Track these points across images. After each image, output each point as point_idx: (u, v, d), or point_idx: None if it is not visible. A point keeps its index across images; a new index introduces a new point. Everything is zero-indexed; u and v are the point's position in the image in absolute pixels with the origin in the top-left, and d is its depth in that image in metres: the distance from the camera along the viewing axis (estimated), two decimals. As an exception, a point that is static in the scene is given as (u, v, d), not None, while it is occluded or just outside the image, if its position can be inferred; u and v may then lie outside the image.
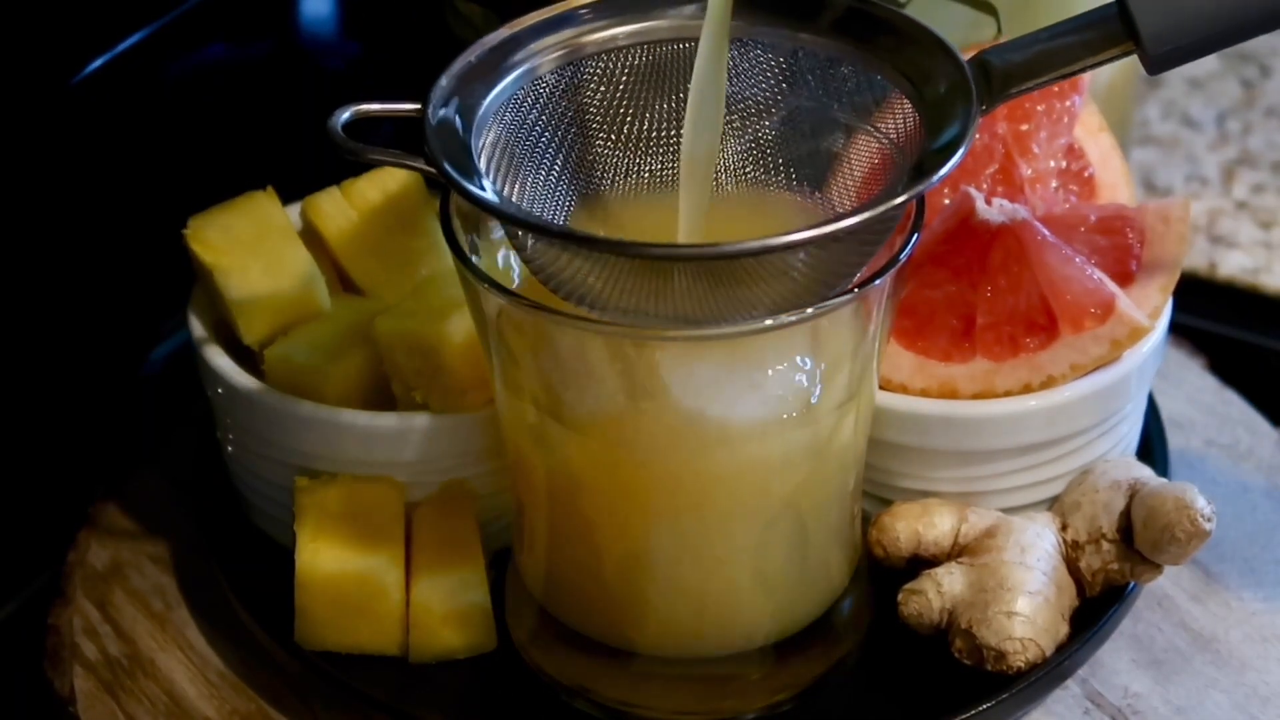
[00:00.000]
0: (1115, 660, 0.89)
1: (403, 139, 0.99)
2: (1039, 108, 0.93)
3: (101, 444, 1.02)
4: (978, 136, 0.92)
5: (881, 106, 0.79)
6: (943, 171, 0.73)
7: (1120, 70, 1.07)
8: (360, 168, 0.94)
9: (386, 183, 0.93)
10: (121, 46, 1.04)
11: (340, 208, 0.93)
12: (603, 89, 0.82)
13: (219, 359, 0.90)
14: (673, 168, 0.83)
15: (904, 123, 0.78)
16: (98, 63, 1.03)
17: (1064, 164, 0.94)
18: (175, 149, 1.08)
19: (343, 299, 0.92)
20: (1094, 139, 0.94)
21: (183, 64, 1.09)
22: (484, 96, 0.79)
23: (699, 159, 0.79)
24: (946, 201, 0.91)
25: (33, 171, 1.01)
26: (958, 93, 0.76)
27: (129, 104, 1.05)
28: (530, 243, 0.76)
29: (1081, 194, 0.94)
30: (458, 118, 0.77)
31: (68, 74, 1.02)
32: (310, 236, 0.93)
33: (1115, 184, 0.94)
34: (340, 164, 0.95)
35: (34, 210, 1.02)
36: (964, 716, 0.84)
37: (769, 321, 0.75)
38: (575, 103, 0.82)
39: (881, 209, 0.72)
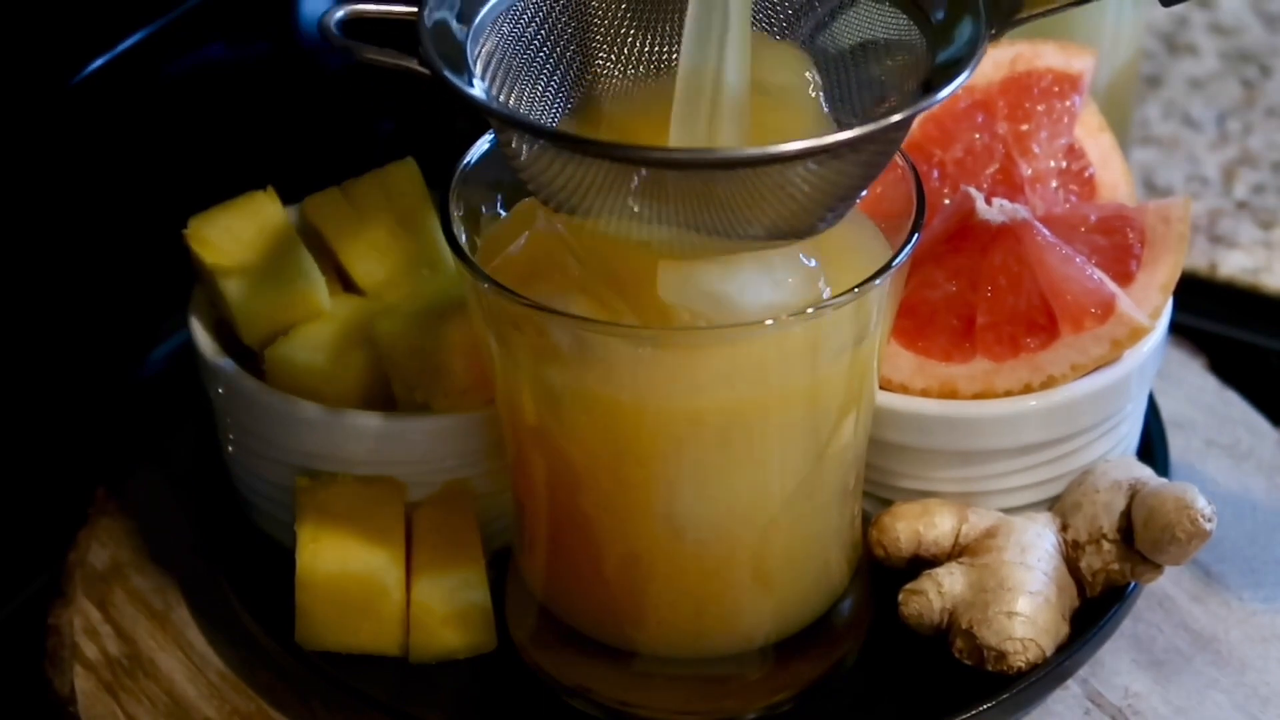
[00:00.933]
0: (1116, 660, 0.89)
1: (404, 141, 0.99)
2: (1039, 108, 0.93)
3: (101, 444, 1.02)
4: (977, 136, 0.93)
5: (889, 30, 0.78)
6: (949, 89, 0.72)
7: (1121, 70, 1.07)
8: (360, 168, 0.94)
9: (386, 183, 0.93)
10: (121, 46, 1.04)
11: (340, 208, 0.93)
12: (605, 4, 0.80)
13: (219, 359, 0.90)
14: (670, 86, 0.80)
15: (912, 45, 0.77)
16: (98, 63, 1.03)
17: (1064, 164, 0.94)
18: (175, 149, 1.08)
19: (343, 299, 0.92)
20: (1094, 139, 0.94)
21: (183, 64, 1.09)
22: (482, 4, 0.77)
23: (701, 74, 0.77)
24: (946, 201, 0.91)
25: (33, 171, 1.01)
26: (966, 15, 0.75)
27: (129, 104, 1.05)
28: (523, 149, 0.74)
29: (1082, 194, 0.94)
30: (455, 23, 0.76)
31: (68, 74, 1.02)
32: (310, 236, 0.93)
33: (1115, 184, 0.94)
34: (340, 164, 0.95)
35: (34, 210, 1.02)
36: (964, 717, 0.84)
37: (769, 322, 0.75)
38: (576, 17, 0.80)
39: (885, 123, 0.71)
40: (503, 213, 0.83)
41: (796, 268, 0.77)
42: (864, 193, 0.76)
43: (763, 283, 0.76)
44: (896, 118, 0.71)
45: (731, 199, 0.72)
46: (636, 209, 0.73)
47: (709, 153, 0.71)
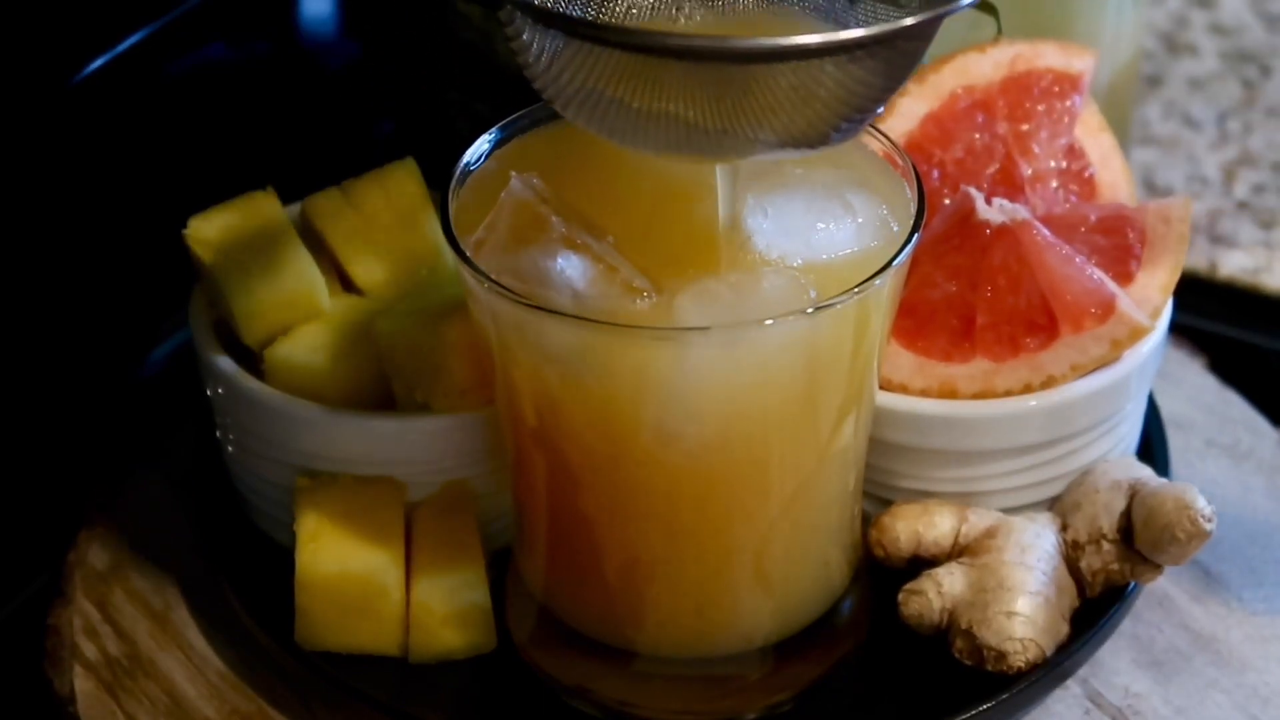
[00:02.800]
0: (1116, 660, 0.89)
1: (404, 141, 0.99)
2: (1039, 108, 0.93)
3: (101, 444, 1.02)
4: (977, 136, 0.93)
5: None
6: None
7: (1121, 70, 1.07)
8: (360, 168, 0.94)
9: (386, 183, 0.93)
10: (121, 46, 1.04)
11: (340, 208, 0.93)
12: None
13: (219, 359, 0.90)
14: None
15: None
16: (98, 63, 1.03)
17: (1064, 164, 0.93)
18: (175, 149, 1.08)
19: (343, 299, 0.92)
20: (1094, 139, 0.94)
21: (183, 64, 1.09)
22: None
23: None
24: (946, 201, 0.91)
25: (33, 171, 1.01)
26: None
27: (129, 104, 1.05)
28: (534, 42, 0.73)
29: (1082, 194, 0.94)
30: None
31: (68, 74, 1.02)
32: (310, 236, 0.93)
33: (1115, 184, 0.94)
34: (340, 164, 0.95)
35: (34, 210, 1.02)
36: (964, 717, 0.84)
37: (769, 322, 0.75)
38: None
39: (904, 24, 0.70)
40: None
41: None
42: (880, 109, 0.74)
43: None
44: (916, 19, 0.70)
45: (745, 98, 0.71)
46: (646, 107, 0.72)
47: (729, 41, 0.69)
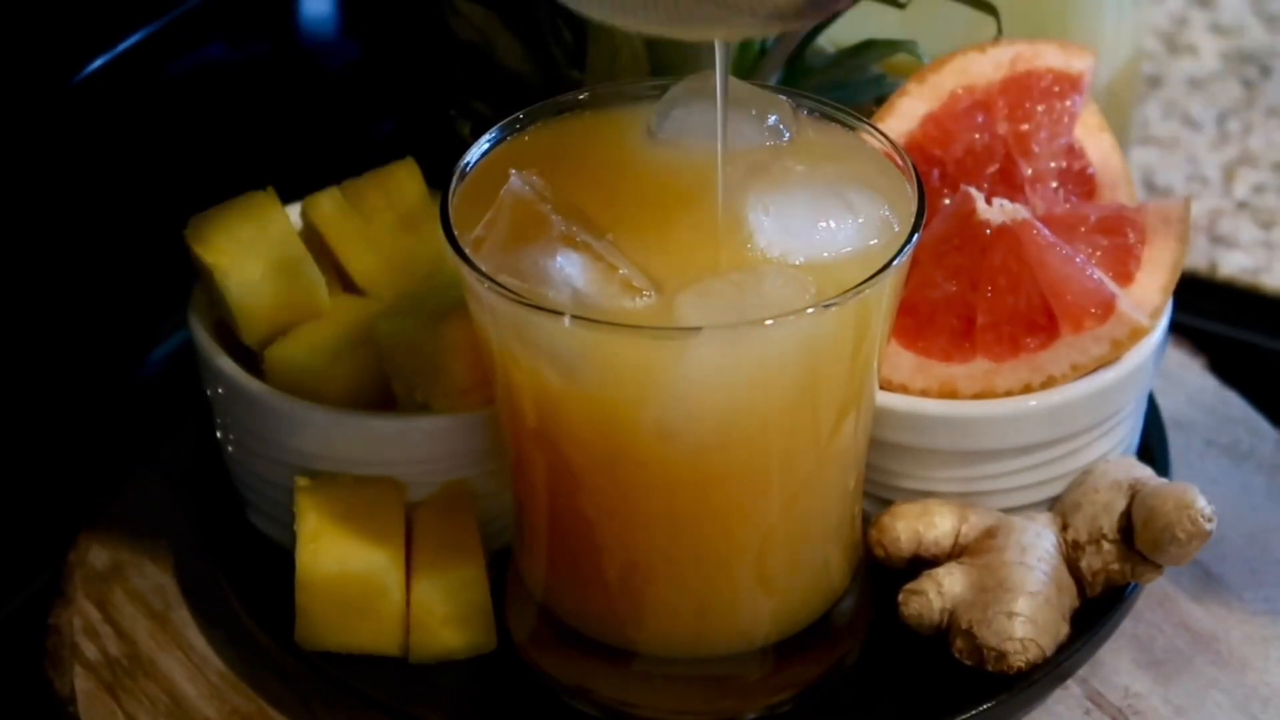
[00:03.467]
0: (1116, 660, 0.89)
1: (404, 141, 0.99)
2: (1039, 108, 0.93)
3: (101, 444, 1.02)
4: (977, 136, 0.92)
5: None
6: None
7: (1121, 70, 1.07)
8: (360, 167, 0.94)
9: (386, 183, 0.93)
10: (121, 46, 1.04)
11: (340, 208, 0.93)
12: None
13: (219, 359, 0.90)
14: None
15: None
16: (98, 63, 1.03)
17: (1064, 164, 0.93)
18: (175, 149, 1.08)
19: (343, 299, 0.92)
20: (1094, 139, 0.94)
21: (183, 64, 1.09)
22: None
23: None
24: (946, 201, 0.91)
25: (33, 171, 1.01)
26: None
27: (129, 104, 1.05)
28: None
29: (1082, 194, 0.94)
30: None
31: (68, 74, 1.02)
32: (310, 236, 0.93)
33: (1115, 184, 0.94)
34: (340, 164, 0.96)
35: (34, 210, 1.02)
36: (964, 717, 0.84)
37: (769, 322, 0.75)
38: None
39: None
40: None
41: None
42: None
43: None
44: None
45: None
46: None
47: None
